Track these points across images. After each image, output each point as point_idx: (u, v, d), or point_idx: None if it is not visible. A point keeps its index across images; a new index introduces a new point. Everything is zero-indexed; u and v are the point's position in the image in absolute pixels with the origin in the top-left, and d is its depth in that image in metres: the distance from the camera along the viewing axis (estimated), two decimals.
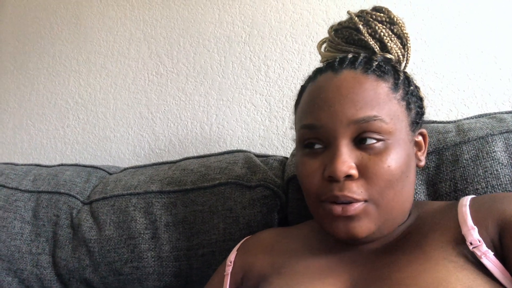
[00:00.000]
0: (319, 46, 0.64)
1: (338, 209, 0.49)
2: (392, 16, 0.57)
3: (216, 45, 1.16)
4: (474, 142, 0.68)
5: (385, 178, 0.49)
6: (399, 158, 0.50)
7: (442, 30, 0.97)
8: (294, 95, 1.07)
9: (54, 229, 0.86)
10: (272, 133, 1.08)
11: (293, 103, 1.07)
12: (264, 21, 1.12)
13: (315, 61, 1.06)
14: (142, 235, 0.80)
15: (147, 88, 1.23)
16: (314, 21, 1.07)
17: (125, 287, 0.80)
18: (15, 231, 0.86)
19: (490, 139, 0.67)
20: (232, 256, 0.64)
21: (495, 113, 0.76)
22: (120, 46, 1.28)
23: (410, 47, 0.59)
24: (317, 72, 0.57)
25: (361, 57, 0.54)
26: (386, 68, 0.54)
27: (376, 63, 0.54)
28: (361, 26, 0.56)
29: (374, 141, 0.50)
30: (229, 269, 0.62)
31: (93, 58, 1.31)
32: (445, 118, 0.94)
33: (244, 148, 1.05)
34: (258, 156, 0.89)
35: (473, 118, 0.76)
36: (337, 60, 0.55)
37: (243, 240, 0.67)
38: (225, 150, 1.07)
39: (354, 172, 0.49)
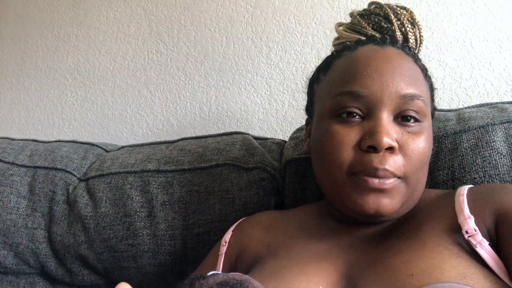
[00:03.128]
0: (337, 26, 0.63)
1: (375, 181, 0.48)
2: (414, 17, 0.59)
3: (218, 25, 1.14)
4: (474, 131, 0.67)
5: (421, 158, 0.50)
6: (429, 142, 0.52)
7: (447, 18, 0.96)
8: (296, 78, 1.06)
9: (50, 205, 0.86)
10: (271, 116, 1.07)
11: (294, 86, 1.06)
12: (267, 1, 1.10)
13: (318, 44, 1.04)
14: (138, 213, 0.80)
15: (146, 67, 1.21)
16: (318, 3, 1.05)
17: (120, 264, 0.81)
18: (11, 205, 0.86)
19: (490, 129, 0.67)
20: (227, 237, 0.64)
21: (496, 103, 0.75)
22: (120, 22, 1.26)
23: (420, 51, 0.61)
24: (357, 43, 0.57)
25: (399, 41, 0.56)
26: (418, 57, 0.57)
27: (412, 50, 0.56)
28: (392, 16, 0.57)
29: (413, 120, 0.51)
30: (223, 249, 0.62)
31: (93, 34, 1.29)
32: (446, 106, 0.94)
33: (242, 131, 1.04)
34: (256, 138, 0.88)
35: (474, 107, 0.76)
36: (377, 36, 0.56)
37: (239, 221, 0.67)
38: (223, 131, 1.06)
39: (396, 144, 0.48)
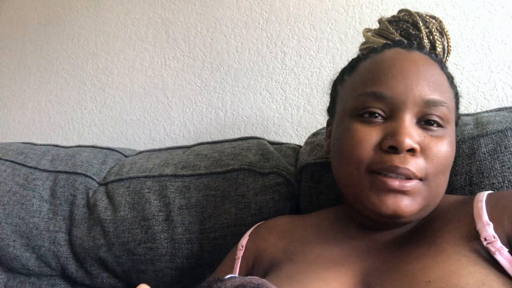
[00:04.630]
0: (365, 31, 0.64)
1: (395, 182, 0.47)
2: (443, 27, 0.59)
3: (233, 31, 1.16)
4: (493, 136, 0.66)
5: (443, 161, 0.50)
6: (452, 146, 0.52)
7: (464, 21, 0.95)
8: (310, 83, 1.06)
9: (70, 208, 0.88)
10: (286, 121, 1.08)
11: (309, 91, 1.06)
12: (282, 7, 1.11)
13: (333, 49, 1.05)
14: (156, 217, 0.81)
15: (163, 73, 1.23)
16: (333, 8, 1.05)
17: (138, 267, 0.82)
18: (34, 208, 0.89)
19: (509, 133, 0.66)
20: (244, 241, 0.64)
21: None
22: (138, 30, 1.28)
23: (447, 61, 0.60)
24: (384, 46, 0.57)
25: (426, 48, 0.57)
26: (444, 64, 0.56)
27: (438, 56, 0.56)
28: (421, 23, 0.58)
29: (436, 125, 0.50)
30: (240, 253, 0.63)
31: (111, 42, 1.32)
32: (464, 110, 0.92)
33: (258, 136, 1.05)
34: (271, 143, 0.89)
35: (492, 112, 0.75)
36: (404, 41, 0.56)
37: (256, 225, 0.67)
38: (239, 136, 1.07)
39: (418, 146, 0.48)
